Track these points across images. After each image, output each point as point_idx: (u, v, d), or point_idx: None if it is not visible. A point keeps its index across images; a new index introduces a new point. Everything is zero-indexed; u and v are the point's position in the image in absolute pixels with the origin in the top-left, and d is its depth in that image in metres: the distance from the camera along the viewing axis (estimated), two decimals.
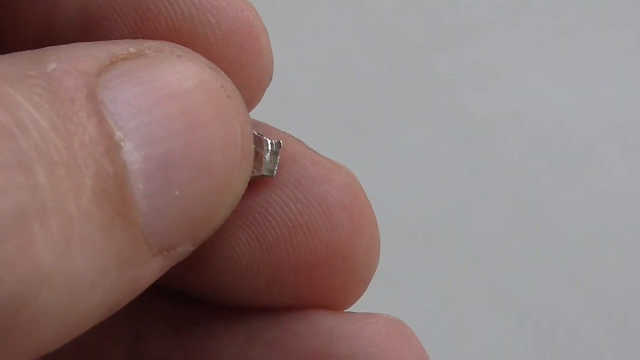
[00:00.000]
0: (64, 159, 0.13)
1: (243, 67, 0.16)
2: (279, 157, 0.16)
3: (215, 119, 0.15)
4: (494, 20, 0.47)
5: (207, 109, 0.14)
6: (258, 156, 0.16)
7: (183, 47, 0.15)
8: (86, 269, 0.13)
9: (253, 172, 0.16)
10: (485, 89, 0.45)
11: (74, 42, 0.15)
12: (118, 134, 0.13)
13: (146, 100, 0.14)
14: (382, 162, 0.44)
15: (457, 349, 0.40)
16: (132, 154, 0.13)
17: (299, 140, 0.17)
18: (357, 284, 0.17)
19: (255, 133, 0.16)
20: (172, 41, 0.15)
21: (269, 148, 0.16)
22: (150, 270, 0.14)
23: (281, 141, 0.17)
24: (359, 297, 0.17)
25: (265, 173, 0.16)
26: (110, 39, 0.15)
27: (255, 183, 0.16)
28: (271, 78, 0.17)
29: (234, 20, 0.16)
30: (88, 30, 0.16)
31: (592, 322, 0.41)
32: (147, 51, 0.15)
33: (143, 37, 0.15)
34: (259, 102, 0.17)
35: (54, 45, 0.16)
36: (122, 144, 0.13)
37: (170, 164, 0.14)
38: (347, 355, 0.16)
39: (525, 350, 0.40)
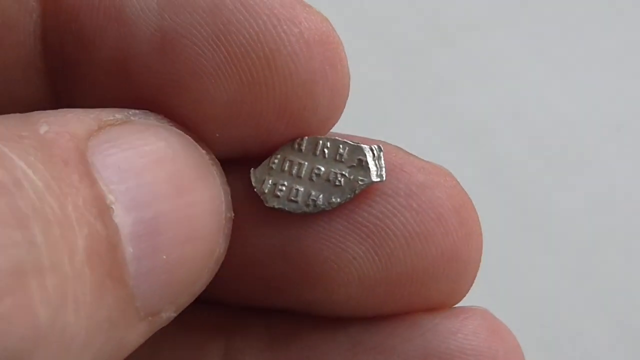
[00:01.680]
0: (59, 219, 0.13)
1: (327, 76, 0.16)
2: (383, 161, 0.16)
3: (200, 185, 0.15)
4: (493, 19, 0.47)
5: (192, 174, 0.15)
6: (362, 164, 0.16)
7: (166, 118, 0.15)
8: (79, 328, 0.12)
9: (362, 180, 0.16)
10: (485, 87, 0.46)
11: (153, 63, 0.16)
12: (110, 197, 0.13)
13: (135, 164, 0.14)
14: None
15: None
16: (123, 217, 0.14)
17: (398, 147, 0.17)
18: (464, 284, 0.17)
19: (351, 142, 0.16)
20: (257, 53, 0.15)
21: (372, 154, 0.16)
22: (136, 335, 0.14)
23: (381, 145, 0.16)
24: (464, 296, 0.18)
25: (375, 179, 0.16)
26: (190, 56, 0.15)
27: (369, 193, 0.16)
28: (349, 89, 0.17)
29: (316, 30, 0.16)
30: (167, 49, 0.15)
31: (592, 321, 0.41)
32: (132, 118, 0.15)
33: (226, 50, 0.15)
34: (340, 116, 0.17)
35: (132, 69, 0.16)
36: (113, 207, 0.13)
37: (159, 228, 0.14)
38: (454, 350, 0.17)
39: (524, 349, 0.40)
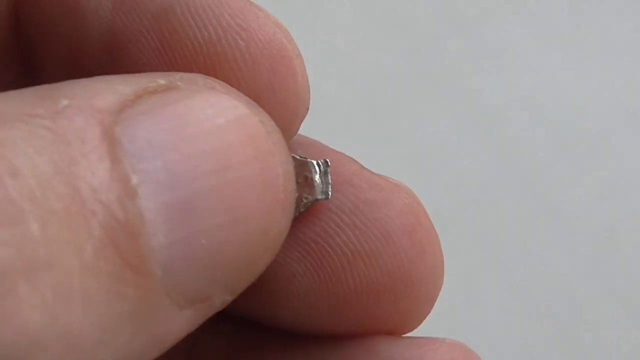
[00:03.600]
0: (66, 207, 0.11)
1: (276, 93, 0.15)
2: (329, 177, 0.16)
3: (252, 158, 0.13)
4: (507, 5, 0.47)
5: (243, 147, 0.13)
6: (307, 180, 0.15)
7: (218, 80, 0.14)
8: (90, 327, 0.11)
9: (307, 198, 0.15)
10: (499, 74, 0.45)
11: (101, 64, 0.15)
12: (134, 178, 0.12)
13: (171, 138, 0.13)
14: (395, 148, 0.44)
15: (470, 336, 0.41)
16: (150, 200, 0.12)
17: (353, 159, 0.16)
18: (420, 308, 0.16)
19: (297, 157, 0.15)
20: (199, 65, 0.14)
21: (317, 169, 0.15)
22: (178, 325, 0.13)
23: (328, 160, 0.16)
24: (422, 320, 0.17)
25: (320, 197, 0.15)
26: (137, 61, 0.15)
27: (312, 208, 0.15)
28: (308, 107, 0.16)
29: (265, 44, 0.15)
30: (115, 52, 0.15)
31: (607, 308, 0.40)
32: (178, 83, 0.13)
33: (169, 60, 0.15)
34: (295, 133, 0.16)
35: (80, 68, 0.15)
36: (138, 189, 0.12)
37: (195, 209, 0.13)
38: None
39: (540, 337, 0.40)
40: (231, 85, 0.14)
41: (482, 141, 0.44)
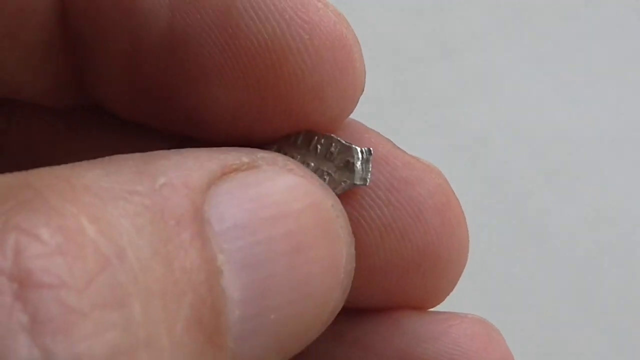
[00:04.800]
0: (162, 287, 0.12)
1: (337, 81, 0.15)
2: (370, 165, 0.16)
3: (322, 240, 0.14)
4: (492, 33, 0.47)
5: (315, 230, 0.14)
6: (349, 165, 0.16)
7: (296, 162, 0.15)
8: None
9: (345, 182, 0.16)
10: (484, 101, 0.46)
11: (160, 61, 0.15)
12: (220, 258, 0.13)
13: (253, 220, 0.13)
14: None
15: None
16: (232, 280, 0.13)
17: (388, 139, 0.17)
18: (446, 284, 0.17)
19: (343, 141, 0.16)
20: (263, 59, 0.15)
21: (360, 156, 0.16)
22: None
23: (372, 149, 0.16)
24: (446, 296, 0.17)
25: (358, 182, 0.16)
26: (199, 58, 0.15)
27: (351, 192, 0.16)
28: (363, 89, 0.16)
29: (327, 35, 0.15)
30: (175, 49, 0.15)
31: (591, 333, 0.40)
32: (260, 162, 0.14)
33: (233, 56, 0.15)
34: (351, 113, 0.17)
35: (141, 62, 0.15)
36: (223, 268, 0.13)
37: (269, 289, 0.13)
38: (432, 357, 0.16)
39: None
40: (295, 77, 0.15)
41: (467, 167, 0.44)
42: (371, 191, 0.16)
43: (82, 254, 0.11)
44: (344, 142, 0.16)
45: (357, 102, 0.16)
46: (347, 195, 0.16)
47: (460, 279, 0.44)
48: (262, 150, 0.15)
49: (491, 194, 0.44)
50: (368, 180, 0.16)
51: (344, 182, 0.16)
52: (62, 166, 0.13)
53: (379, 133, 0.17)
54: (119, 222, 0.12)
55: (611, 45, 0.47)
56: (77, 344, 0.11)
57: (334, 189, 0.16)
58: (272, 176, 0.14)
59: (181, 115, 0.16)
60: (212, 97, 0.15)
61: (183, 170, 0.13)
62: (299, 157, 0.16)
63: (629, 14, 0.47)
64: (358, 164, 0.16)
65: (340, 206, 0.15)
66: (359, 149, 0.16)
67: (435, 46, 0.47)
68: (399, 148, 0.17)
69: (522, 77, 0.46)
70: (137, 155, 0.13)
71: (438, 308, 0.20)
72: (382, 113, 0.46)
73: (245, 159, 0.14)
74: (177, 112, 0.16)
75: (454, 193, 0.17)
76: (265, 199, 0.14)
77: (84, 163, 0.13)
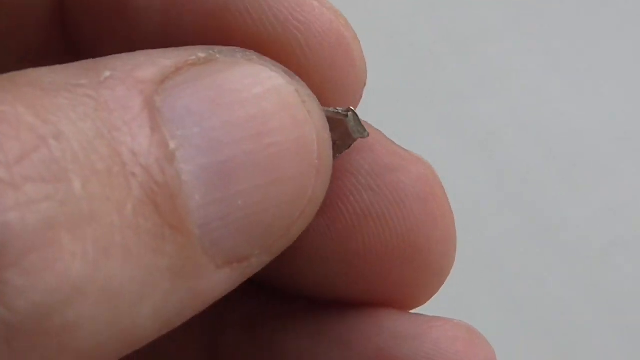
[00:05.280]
0: (107, 167, 0.12)
1: (336, 79, 0.15)
2: (359, 119, 0.16)
3: (287, 124, 0.14)
4: (504, 28, 0.47)
5: (279, 114, 0.14)
6: (342, 125, 0.16)
7: (256, 53, 0.14)
8: (129, 280, 0.12)
9: (346, 141, 0.16)
10: (497, 95, 0.45)
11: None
12: (172, 144, 0.13)
13: (209, 106, 0.13)
14: None
15: None
16: (188, 163, 0.13)
17: (378, 130, 0.17)
18: (430, 279, 0.17)
19: (328, 110, 0.16)
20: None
21: (346, 113, 0.16)
22: (216, 283, 0.13)
23: (350, 107, 0.16)
24: (432, 295, 0.17)
25: (356, 136, 0.16)
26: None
27: (336, 169, 0.16)
28: (365, 83, 0.16)
29: (323, 34, 0.15)
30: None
31: (603, 329, 0.40)
32: (217, 56, 0.14)
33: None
34: (356, 107, 0.16)
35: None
36: (176, 153, 0.13)
37: (232, 172, 0.13)
38: (409, 357, 0.16)
39: (535, 357, 0.40)
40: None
41: (480, 163, 0.44)
42: (352, 176, 0.16)
43: (14, 134, 0.11)
44: (329, 110, 0.16)
45: (360, 98, 0.16)
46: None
47: (472, 272, 0.44)
48: (219, 46, 0.14)
49: (504, 189, 0.43)
50: (366, 131, 0.16)
51: (346, 142, 0.16)
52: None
53: (368, 124, 0.17)
54: (59, 109, 0.12)
55: (624, 40, 0.46)
56: (7, 211, 0.11)
57: (338, 151, 0.16)
58: (230, 66, 0.14)
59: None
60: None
61: (131, 65, 0.13)
62: None
63: None
64: (350, 120, 0.16)
65: (309, 91, 0.14)
66: (341, 110, 0.16)
67: (448, 40, 0.47)
68: (388, 139, 0.17)
69: (535, 72, 0.46)
70: (85, 60, 0.13)
71: (437, 308, 0.20)
72: (394, 107, 0.46)
73: (201, 54, 0.14)
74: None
75: (441, 186, 0.17)
76: (222, 87, 0.13)
77: (32, 68, 0.13)
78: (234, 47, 0.14)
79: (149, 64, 0.13)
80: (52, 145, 0.12)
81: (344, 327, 0.17)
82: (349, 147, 0.16)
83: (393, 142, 0.17)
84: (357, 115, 0.16)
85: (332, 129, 0.16)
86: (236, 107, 0.13)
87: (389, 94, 0.46)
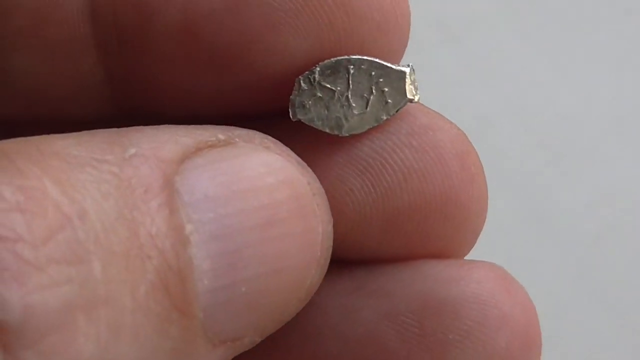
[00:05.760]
0: (126, 250, 0.12)
1: (397, 21, 0.16)
2: (416, 81, 0.17)
3: (296, 216, 0.14)
4: (495, 16, 0.47)
5: (289, 205, 0.14)
6: (400, 80, 0.16)
7: (273, 139, 0.15)
8: (135, 359, 0.12)
9: (398, 101, 0.16)
10: (487, 84, 0.46)
11: (225, 21, 0.15)
12: (188, 227, 0.13)
13: (224, 193, 0.13)
14: None
15: None
16: (201, 249, 0.13)
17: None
18: (467, 234, 0.17)
19: (383, 63, 0.16)
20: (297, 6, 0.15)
21: (406, 75, 0.16)
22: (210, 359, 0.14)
23: (411, 64, 0.17)
24: (469, 249, 0.17)
25: (409, 97, 0.16)
26: (266, 10, 0.15)
27: (372, 129, 0.16)
28: (408, 37, 0.17)
29: None
30: (240, 5, 0.15)
31: (595, 318, 0.40)
32: (236, 139, 0.14)
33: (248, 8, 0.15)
34: (399, 61, 0.17)
35: (201, 30, 0.15)
36: (191, 237, 0.13)
37: (240, 260, 0.13)
38: (455, 297, 0.16)
39: None
40: (345, 30, 0.15)
41: None
42: (394, 136, 0.16)
43: (42, 212, 0.12)
44: (383, 63, 0.16)
45: (404, 49, 0.17)
46: (369, 140, 0.16)
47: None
48: (239, 128, 0.15)
49: (494, 176, 0.44)
50: (418, 95, 0.16)
51: (397, 102, 0.16)
52: (37, 136, 0.13)
53: None
54: (84, 186, 0.12)
55: (616, 28, 0.47)
56: (31, 294, 0.11)
57: (387, 114, 0.16)
58: (248, 152, 0.14)
59: (251, 76, 0.16)
60: (286, 48, 0.15)
61: (156, 142, 0.13)
62: (338, 88, 0.16)
63: None
64: (407, 83, 0.16)
65: (318, 184, 0.15)
66: (401, 68, 0.16)
67: (438, 29, 0.47)
68: (422, 104, 0.17)
69: (525, 59, 0.46)
70: (113, 129, 0.14)
71: None
72: None
73: (221, 136, 0.14)
74: (247, 75, 0.16)
75: (473, 147, 0.17)
76: (238, 173, 0.14)
77: (58, 134, 0.13)
78: (254, 132, 0.15)
79: (172, 143, 0.13)
80: (77, 226, 0.12)
81: (384, 278, 0.17)
82: (400, 109, 0.16)
83: (427, 107, 0.17)
84: (413, 75, 0.16)
85: (387, 83, 0.16)
86: (250, 195, 0.14)
87: None
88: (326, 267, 0.15)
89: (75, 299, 0.12)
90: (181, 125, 0.14)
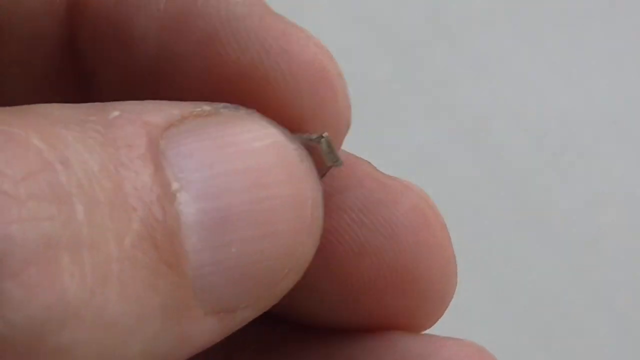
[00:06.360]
0: (110, 199, 0.12)
1: (318, 113, 0.16)
2: (333, 146, 0.16)
3: (284, 180, 0.14)
4: (493, 14, 0.47)
5: (277, 169, 0.14)
6: (316, 151, 0.16)
7: (259, 112, 0.15)
8: (123, 313, 0.12)
9: (320, 170, 0.16)
10: (487, 83, 0.45)
11: (149, 87, 0.15)
12: (175, 185, 0.13)
13: (211, 154, 0.14)
14: (380, 157, 0.44)
15: None
16: (188, 206, 0.13)
17: (365, 160, 0.17)
18: (433, 306, 0.17)
19: (301, 137, 0.16)
20: (243, 88, 0.15)
21: (320, 140, 0.16)
22: (204, 331, 0.13)
23: (323, 133, 0.16)
24: (437, 319, 0.17)
25: (330, 164, 0.16)
26: (183, 86, 0.15)
27: (324, 207, 0.16)
28: (349, 125, 0.16)
29: (307, 65, 0.15)
30: (162, 76, 0.15)
31: (593, 317, 0.41)
32: (221, 110, 0.14)
33: (214, 84, 0.15)
34: (338, 148, 0.16)
35: (130, 91, 0.16)
36: (177, 194, 0.13)
37: (229, 220, 0.13)
38: None
39: (526, 345, 0.40)
40: (274, 106, 0.15)
41: (469, 151, 0.44)
42: (345, 214, 0.16)
43: (23, 154, 0.12)
44: (302, 137, 0.16)
45: (344, 137, 0.16)
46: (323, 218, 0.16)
47: (460, 260, 0.44)
48: (224, 103, 0.15)
49: (492, 177, 0.43)
50: (339, 159, 0.16)
51: (320, 170, 0.16)
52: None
53: (355, 155, 0.17)
54: (67, 139, 0.12)
55: (613, 27, 0.46)
56: (9, 224, 0.11)
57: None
58: (234, 120, 0.14)
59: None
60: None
61: (139, 109, 0.14)
62: None
63: None
64: (324, 147, 0.16)
65: (306, 152, 0.15)
66: (314, 137, 0.16)
67: (436, 28, 0.47)
68: (377, 170, 0.17)
69: (523, 59, 0.46)
70: (96, 102, 0.14)
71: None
72: (383, 95, 0.46)
73: (206, 107, 0.14)
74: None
75: (435, 213, 0.17)
76: (224, 138, 0.14)
77: (46, 104, 0.13)
78: (238, 105, 0.15)
79: (156, 110, 0.14)
80: (59, 170, 0.12)
81: (355, 350, 0.17)
82: (323, 175, 0.16)
83: (383, 174, 0.17)
84: (331, 143, 0.16)
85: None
86: (236, 158, 0.14)
87: (379, 82, 0.45)
88: (318, 239, 0.15)
89: (57, 237, 0.12)
90: (167, 101, 0.14)
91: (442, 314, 0.17)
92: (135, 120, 0.13)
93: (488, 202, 0.43)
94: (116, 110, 0.13)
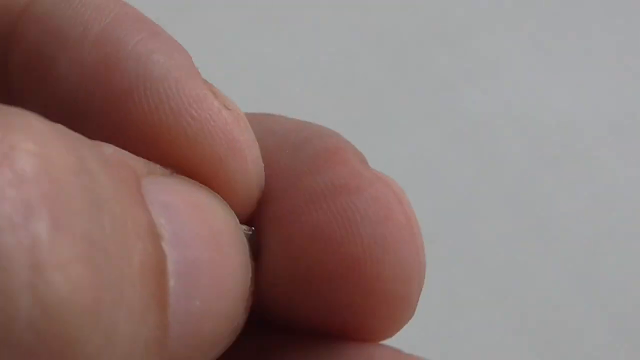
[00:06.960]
0: (121, 224, 0.12)
1: (225, 180, 0.16)
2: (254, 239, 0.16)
3: (233, 247, 0.15)
4: (494, 18, 0.47)
5: (228, 235, 0.15)
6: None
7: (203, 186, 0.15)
8: (125, 335, 0.12)
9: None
10: (486, 87, 0.45)
11: (73, 127, 0.15)
12: (160, 228, 0.13)
13: (181, 208, 0.14)
14: (381, 161, 0.44)
15: (456, 351, 0.40)
16: (169, 251, 0.13)
17: (351, 147, 0.16)
18: (392, 309, 0.16)
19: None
20: (150, 148, 0.15)
21: (249, 232, 0.16)
22: None
23: (250, 227, 0.16)
24: (401, 325, 0.16)
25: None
26: (103, 132, 0.15)
27: (282, 191, 0.16)
28: (262, 188, 0.16)
29: (214, 134, 0.15)
30: (86, 118, 0.16)
31: (593, 322, 0.40)
32: (173, 174, 0.15)
33: (125, 141, 0.15)
34: (250, 212, 0.17)
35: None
36: (162, 235, 0.13)
37: (196, 273, 0.14)
38: None
39: (526, 351, 0.40)
40: (185, 169, 0.15)
41: (468, 154, 0.44)
42: (306, 196, 0.16)
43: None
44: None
45: (254, 204, 0.16)
46: (282, 200, 0.16)
47: (458, 264, 0.44)
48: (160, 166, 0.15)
49: (492, 180, 0.44)
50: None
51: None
52: None
53: (346, 141, 0.17)
54: (87, 157, 0.12)
55: (613, 31, 0.46)
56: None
57: None
58: (189, 183, 0.15)
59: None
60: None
61: (124, 153, 0.14)
62: None
63: None
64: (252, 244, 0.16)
65: (242, 226, 0.15)
66: (245, 229, 0.16)
67: (436, 32, 0.47)
68: (357, 157, 0.16)
69: (523, 63, 0.46)
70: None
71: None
72: (383, 99, 0.46)
73: (160, 170, 0.15)
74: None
75: (402, 208, 0.16)
76: (187, 196, 0.14)
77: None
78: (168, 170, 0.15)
79: (134, 158, 0.14)
80: (91, 180, 0.12)
81: (303, 357, 0.16)
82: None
83: (362, 161, 0.16)
84: (253, 236, 0.16)
85: None
86: (198, 215, 0.14)
87: (378, 86, 0.46)
88: (246, 316, 0.15)
89: (94, 239, 0.12)
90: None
91: (406, 321, 0.16)
92: (126, 160, 0.14)
93: (487, 206, 0.43)
94: (109, 147, 0.14)
